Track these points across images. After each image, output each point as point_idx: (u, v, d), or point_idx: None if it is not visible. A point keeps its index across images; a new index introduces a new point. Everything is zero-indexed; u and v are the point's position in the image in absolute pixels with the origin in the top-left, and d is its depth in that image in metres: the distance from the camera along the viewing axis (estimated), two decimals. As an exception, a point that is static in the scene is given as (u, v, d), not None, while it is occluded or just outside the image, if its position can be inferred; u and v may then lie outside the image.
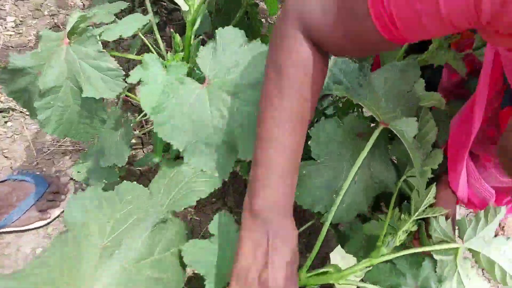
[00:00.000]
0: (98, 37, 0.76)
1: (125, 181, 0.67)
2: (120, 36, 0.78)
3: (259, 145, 0.60)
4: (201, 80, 0.78)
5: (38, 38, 0.75)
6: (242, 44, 0.78)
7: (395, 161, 0.82)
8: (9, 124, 1.22)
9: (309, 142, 0.72)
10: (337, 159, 0.74)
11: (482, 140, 0.71)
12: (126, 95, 1.06)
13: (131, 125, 1.06)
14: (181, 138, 0.72)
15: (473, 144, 0.67)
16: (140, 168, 1.20)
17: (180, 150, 0.72)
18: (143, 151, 1.22)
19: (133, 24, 0.79)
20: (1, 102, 1.23)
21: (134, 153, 1.22)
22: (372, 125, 0.83)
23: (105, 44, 0.80)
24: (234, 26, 0.79)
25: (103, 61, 0.69)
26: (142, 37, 0.86)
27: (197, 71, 0.87)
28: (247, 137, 0.74)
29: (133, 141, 1.22)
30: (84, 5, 1.43)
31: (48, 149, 1.22)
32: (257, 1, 1.23)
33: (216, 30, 0.78)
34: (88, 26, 0.72)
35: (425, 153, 0.74)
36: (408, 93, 0.79)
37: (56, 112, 0.72)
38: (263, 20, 1.57)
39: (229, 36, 0.79)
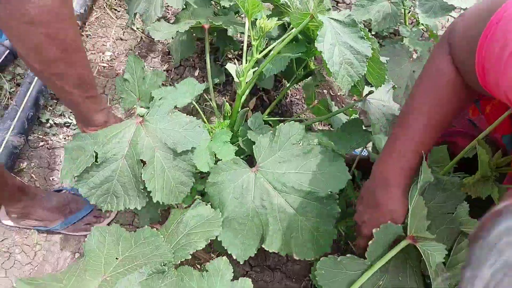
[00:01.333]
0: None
1: (147, 227, 0.76)
2: (175, 106, 0.90)
3: (398, 124, 0.76)
4: (249, 162, 0.87)
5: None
6: (298, 141, 0.86)
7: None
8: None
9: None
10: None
11: None
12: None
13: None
14: (222, 211, 0.82)
15: None
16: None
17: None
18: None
19: (187, 93, 0.92)
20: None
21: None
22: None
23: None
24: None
25: (178, 119, 0.82)
26: (195, 104, 0.98)
27: (242, 147, 0.96)
28: (277, 234, 0.82)
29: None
30: (169, 52, 1.65)
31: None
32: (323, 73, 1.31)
33: (277, 126, 0.88)
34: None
35: (454, 282, 0.72)
36: (449, 215, 0.78)
37: (159, 180, 0.82)
38: (324, 91, 1.64)
39: (288, 131, 0.88)
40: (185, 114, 0.83)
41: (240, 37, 1.63)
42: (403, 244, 0.74)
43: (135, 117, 0.85)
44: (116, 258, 0.69)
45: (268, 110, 1.35)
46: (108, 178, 0.82)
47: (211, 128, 0.91)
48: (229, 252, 0.81)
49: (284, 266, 1.27)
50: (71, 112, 1.48)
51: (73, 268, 0.69)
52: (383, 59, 0.86)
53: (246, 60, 0.90)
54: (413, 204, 0.73)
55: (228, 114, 0.97)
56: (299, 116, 1.47)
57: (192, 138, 0.82)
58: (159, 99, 0.86)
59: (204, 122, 0.92)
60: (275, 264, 1.27)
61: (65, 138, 1.44)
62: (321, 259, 0.75)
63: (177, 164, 0.83)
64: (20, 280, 0.65)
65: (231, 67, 0.88)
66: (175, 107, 0.85)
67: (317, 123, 1.47)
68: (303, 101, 1.58)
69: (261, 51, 0.88)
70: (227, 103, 0.96)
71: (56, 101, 1.50)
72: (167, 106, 0.83)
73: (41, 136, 1.42)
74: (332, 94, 1.63)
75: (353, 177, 1.30)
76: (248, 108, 0.96)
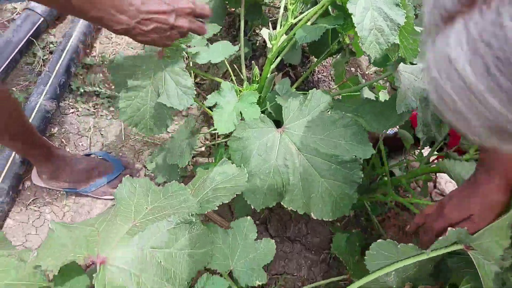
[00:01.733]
0: (189, 58, 0.91)
1: (174, 181, 0.77)
2: (209, 61, 0.91)
3: None
4: (277, 124, 0.88)
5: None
6: (326, 108, 0.87)
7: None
8: (111, 108, 1.46)
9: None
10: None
11: None
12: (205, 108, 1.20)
13: (205, 134, 1.20)
14: (245, 166, 0.83)
15: None
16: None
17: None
18: (208, 159, 1.35)
19: (221, 52, 0.93)
20: (111, 90, 1.49)
21: (201, 160, 1.36)
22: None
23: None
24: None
25: (183, 78, 0.83)
26: (227, 64, 0.99)
27: (270, 111, 0.96)
28: (297, 193, 0.83)
29: (202, 149, 1.37)
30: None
31: (135, 137, 1.43)
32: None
33: (310, 91, 0.89)
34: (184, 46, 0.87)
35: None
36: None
37: (134, 106, 0.87)
38: (352, 69, 1.62)
39: (319, 98, 0.89)
40: (192, 79, 0.84)
41: (269, 11, 1.62)
42: (456, 247, 0.73)
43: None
44: (146, 208, 0.71)
45: (294, 86, 1.34)
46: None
47: (239, 90, 0.92)
48: (248, 203, 0.82)
49: (304, 238, 1.27)
50: (100, 81, 1.51)
51: (104, 214, 0.72)
52: (417, 28, 0.84)
53: (280, 25, 0.89)
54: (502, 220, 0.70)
55: (256, 79, 0.97)
56: (325, 92, 1.45)
57: (178, 100, 0.84)
58: (194, 53, 0.86)
59: (234, 84, 0.92)
60: (295, 235, 1.27)
61: (94, 107, 1.48)
62: (378, 241, 0.74)
63: (160, 104, 0.86)
64: (55, 222, 0.67)
65: (265, 31, 0.88)
66: (209, 61, 0.86)
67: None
68: (330, 78, 1.57)
69: (296, 17, 0.88)
70: (256, 67, 0.96)
71: (86, 70, 1.54)
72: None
73: (71, 103, 1.46)
74: (360, 72, 1.61)
75: (380, 154, 1.28)
76: (276, 73, 0.96)
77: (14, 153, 1.23)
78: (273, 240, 0.81)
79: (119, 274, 0.61)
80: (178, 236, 0.69)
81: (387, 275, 0.75)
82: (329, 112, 0.86)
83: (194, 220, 0.71)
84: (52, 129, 1.40)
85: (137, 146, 1.41)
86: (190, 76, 0.83)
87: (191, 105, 0.88)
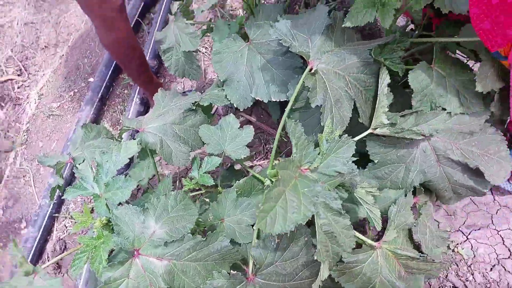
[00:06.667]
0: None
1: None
2: (202, 10, 1.32)
3: None
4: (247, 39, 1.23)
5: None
6: (277, 18, 1.16)
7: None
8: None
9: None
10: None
11: None
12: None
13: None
14: (224, 73, 1.22)
15: None
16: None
17: (221, 80, 1.21)
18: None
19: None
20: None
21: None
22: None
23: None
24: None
25: (187, 29, 1.29)
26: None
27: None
28: (261, 85, 1.17)
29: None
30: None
31: (211, 78, 1.92)
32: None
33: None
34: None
35: None
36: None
37: (174, 62, 1.37)
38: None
39: (271, 11, 1.22)
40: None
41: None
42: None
43: None
44: (170, 105, 1.19)
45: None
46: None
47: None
48: (231, 102, 1.20)
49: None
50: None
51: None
52: None
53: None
54: None
55: (249, 11, 1.31)
56: None
57: (191, 44, 1.29)
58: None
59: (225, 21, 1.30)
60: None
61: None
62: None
63: (186, 53, 1.34)
64: (127, 119, 1.22)
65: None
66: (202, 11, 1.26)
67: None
68: None
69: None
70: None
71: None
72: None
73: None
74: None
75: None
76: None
77: (135, 96, 1.89)
78: (252, 126, 1.17)
79: (151, 136, 1.11)
80: (186, 119, 1.15)
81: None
82: (279, 18, 1.15)
83: (196, 110, 1.16)
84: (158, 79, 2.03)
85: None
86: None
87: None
